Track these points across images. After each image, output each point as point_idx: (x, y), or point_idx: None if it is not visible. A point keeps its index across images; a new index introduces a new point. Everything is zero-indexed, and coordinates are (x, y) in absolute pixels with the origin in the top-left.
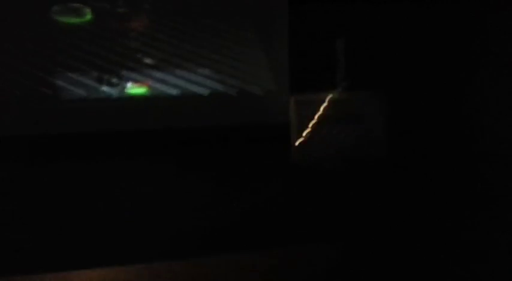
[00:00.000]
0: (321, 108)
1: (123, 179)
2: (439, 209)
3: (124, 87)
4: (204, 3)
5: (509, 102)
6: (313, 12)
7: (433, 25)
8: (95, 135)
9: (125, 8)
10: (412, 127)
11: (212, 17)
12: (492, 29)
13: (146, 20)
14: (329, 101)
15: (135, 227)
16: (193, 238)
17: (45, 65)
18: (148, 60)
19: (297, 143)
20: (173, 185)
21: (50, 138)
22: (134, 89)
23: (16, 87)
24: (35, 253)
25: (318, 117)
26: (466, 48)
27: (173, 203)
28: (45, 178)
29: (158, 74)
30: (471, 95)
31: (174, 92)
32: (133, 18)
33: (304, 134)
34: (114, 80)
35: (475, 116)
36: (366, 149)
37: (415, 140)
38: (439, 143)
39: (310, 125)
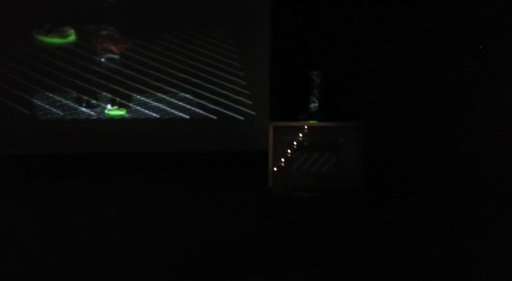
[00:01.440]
0: (299, 136)
1: (98, 199)
2: (413, 238)
3: (103, 109)
4: (185, 28)
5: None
6: (293, 42)
7: (409, 58)
8: (71, 156)
9: (108, 30)
10: (387, 157)
11: (194, 42)
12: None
13: (129, 42)
14: (306, 129)
15: (108, 249)
16: (167, 264)
17: (24, 84)
18: (129, 83)
19: (274, 169)
20: (147, 209)
21: (26, 158)
22: (113, 110)
23: None
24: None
25: (296, 144)
26: (440, 79)
27: (147, 227)
28: (20, 196)
29: (138, 97)
30: (448, 125)
31: (153, 115)
32: (115, 41)
33: (281, 160)
34: (94, 101)
35: (453, 147)
36: (342, 178)
37: (391, 169)
38: (415, 172)
39: (288, 152)
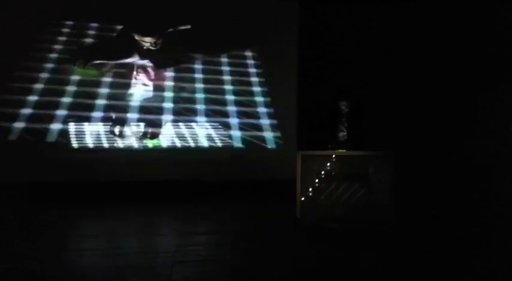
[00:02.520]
0: (327, 165)
1: (131, 227)
2: (447, 272)
3: (136, 139)
4: (215, 59)
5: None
6: (322, 71)
7: (439, 87)
8: (106, 184)
9: (143, 63)
10: (419, 187)
11: (224, 73)
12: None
13: (162, 74)
14: (335, 158)
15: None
16: None
17: (62, 114)
18: (161, 113)
19: (302, 199)
20: (173, 235)
21: (61, 186)
22: (148, 141)
23: (31, 134)
24: None
25: (324, 174)
26: (471, 108)
27: (176, 252)
28: (59, 223)
29: (170, 127)
30: (482, 155)
31: (184, 144)
32: (152, 72)
33: (309, 190)
34: (128, 132)
35: (487, 176)
36: (372, 209)
37: (422, 200)
38: (448, 202)
39: (316, 181)
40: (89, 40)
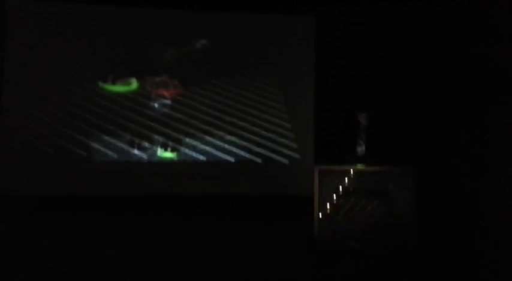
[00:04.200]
0: (345, 181)
1: (148, 240)
2: None
3: (154, 152)
4: (232, 73)
5: None
6: (339, 84)
7: (459, 101)
8: (124, 197)
9: (163, 78)
10: (439, 203)
11: (240, 86)
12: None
13: (180, 88)
14: (353, 174)
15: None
16: None
17: (84, 128)
18: (178, 126)
19: (320, 216)
20: (194, 249)
21: (81, 199)
22: (163, 153)
23: (51, 147)
24: None
25: (342, 189)
26: (491, 121)
27: (192, 268)
28: (75, 236)
29: (187, 140)
30: (504, 170)
31: (200, 158)
32: (168, 87)
33: (327, 206)
34: (146, 144)
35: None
36: (392, 227)
37: (445, 218)
38: (471, 221)
39: (334, 197)
40: (112, 55)
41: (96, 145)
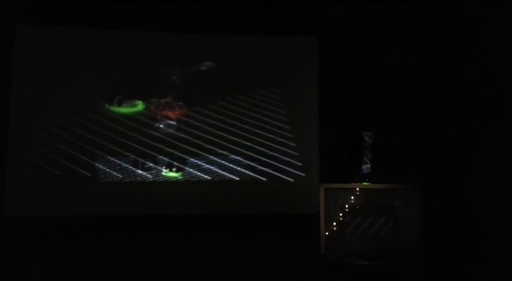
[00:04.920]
0: (351, 199)
1: (155, 260)
2: None
3: (159, 172)
4: (237, 93)
5: None
6: (343, 102)
7: (464, 117)
8: (129, 217)
9: (167, 99)
10: (446, 220)
11: (244, 106)
12: None
13: (184, 109)
14: (359, 192)
15: None
16: None
17: (89, 149)
18: (183, 146)
19: (326, 234)
20: (199, 269)
21: (86, 219)
22: (169, 173)
23: (57, 167)
24: None
25: (348, 207)
26: (497, 138)
27: None
28: (82, 256)
29: (192, 159)
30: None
31: (205, 177)
32: (173, 108)
33: (333, 224)
34: (150, 165)
35: None
36: (400, 244)
37: (452, 235)
38: (479, 239)
39: (340, 215)
40: (118, 77)
41: (101, 166)
